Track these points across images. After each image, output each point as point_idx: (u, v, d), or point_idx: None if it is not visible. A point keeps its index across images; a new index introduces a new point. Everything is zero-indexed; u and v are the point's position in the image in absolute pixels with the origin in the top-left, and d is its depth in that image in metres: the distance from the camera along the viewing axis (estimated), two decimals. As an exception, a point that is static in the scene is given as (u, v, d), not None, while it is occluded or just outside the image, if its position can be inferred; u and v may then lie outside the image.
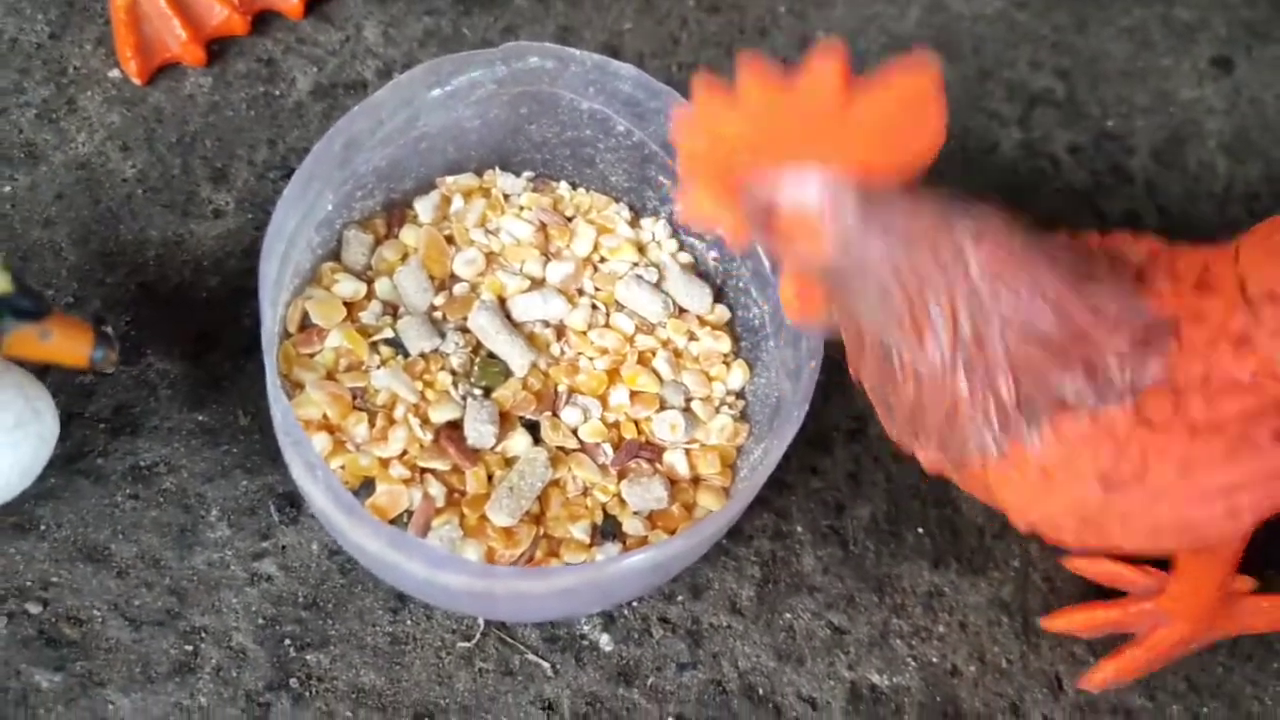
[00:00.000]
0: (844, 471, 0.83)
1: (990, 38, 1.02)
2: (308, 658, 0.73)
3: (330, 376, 0.77)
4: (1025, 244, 0.60)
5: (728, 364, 0.82)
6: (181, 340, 0.81)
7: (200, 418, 0.79)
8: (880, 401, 0.65)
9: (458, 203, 0.82)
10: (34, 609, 0.72)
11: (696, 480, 0.79)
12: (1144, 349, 0.62)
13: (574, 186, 0.85)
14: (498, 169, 0.84)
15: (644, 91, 0.76)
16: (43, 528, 0.75)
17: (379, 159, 0.77)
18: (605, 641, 0.76)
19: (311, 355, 0.77)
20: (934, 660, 0.79)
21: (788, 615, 0.79)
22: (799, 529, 0.81)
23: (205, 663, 0.72)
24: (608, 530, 0.76)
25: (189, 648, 0.73)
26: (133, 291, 0.82)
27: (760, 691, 0.76)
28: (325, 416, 0.75)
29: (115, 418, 0.78)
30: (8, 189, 0.85)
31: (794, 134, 0.57)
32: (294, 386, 0.76)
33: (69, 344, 0.62)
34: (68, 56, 0.90)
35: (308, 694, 0.73)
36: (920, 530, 0.82)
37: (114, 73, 0.90)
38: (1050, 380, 0.61)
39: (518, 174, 0.84)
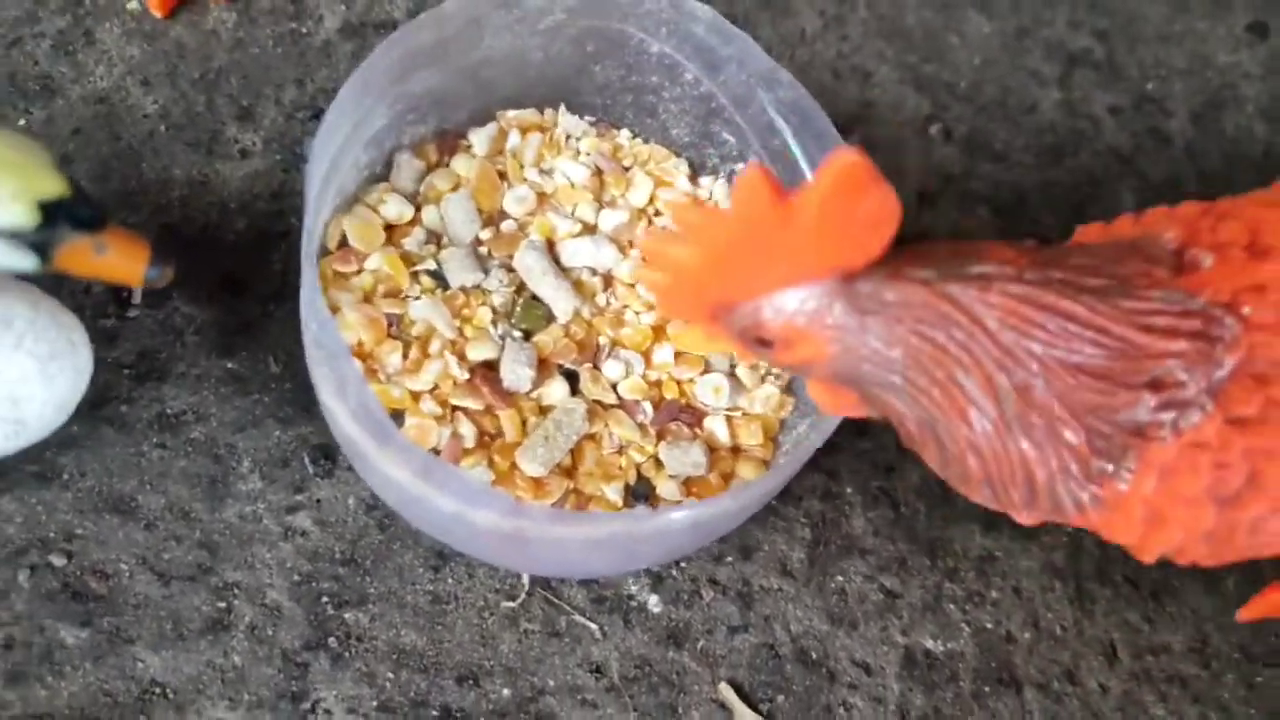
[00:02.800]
0: (893, 433, 0.80)
1: (1029, -5, 1.00)
2: (346, 616, 0.70)
3: (367, 300, 0.73)
4: (1040, 275, 0.55)
5: None
6: (208, 284, 0.77)
7: (229, 365, 0.75)
8: (954, 479, 0.60)
9: (514, 138, 0.79)
10: (58, 561, 0.69)
11: (736, 450, 0.75)
12: (1208, 343, 0.56)
13: (634, 136, 0.82)
14: (562, 107, 0.80)
15: (718, 36, 0.73)
16: (65, 477, 0.71)
17: (435, 80, 0.73)
18: (654, 603, 0.74)
19: (348, 276, 0.73)
20: (988, 626, 0.76)
21: (839, 578, 0.76)
22: (848, 490, 0.79)
23: (239, 620, 0.69)
24: (640, 492, 0.73)
25: (221, 604, 0.69)
26: (156, 232, 0.78)
27: (813, 656, 0.74)
28: (360, 343, 0.71)
29: (140, 363, 0.74)
30: (22, 123, 0.80)
31: (745, 254, 0.54)
32: (329, 309, 0.72)
33: (124, 260, 0.58)
34: (83, -14, 0.86)
35: (347, 654, 0.69)
36: (971, 493, 0.80)
37: (133, 4, 0.85)
38: (1118, 412, 0.55)
39: (579, 117, 0.81)
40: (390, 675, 0.69)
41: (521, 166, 0.78)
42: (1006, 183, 0.92)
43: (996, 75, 0.96)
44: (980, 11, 0.98)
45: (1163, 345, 0.55)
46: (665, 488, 0.73)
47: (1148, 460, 0.56)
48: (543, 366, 0.74)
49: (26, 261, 0.56)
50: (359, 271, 0.74)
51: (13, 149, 0.54)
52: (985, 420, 0.55)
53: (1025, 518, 0.59)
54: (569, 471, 0.72)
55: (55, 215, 0.55)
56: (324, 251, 0.74)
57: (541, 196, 0.78)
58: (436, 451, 0.70)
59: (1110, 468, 0.56)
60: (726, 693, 0.72)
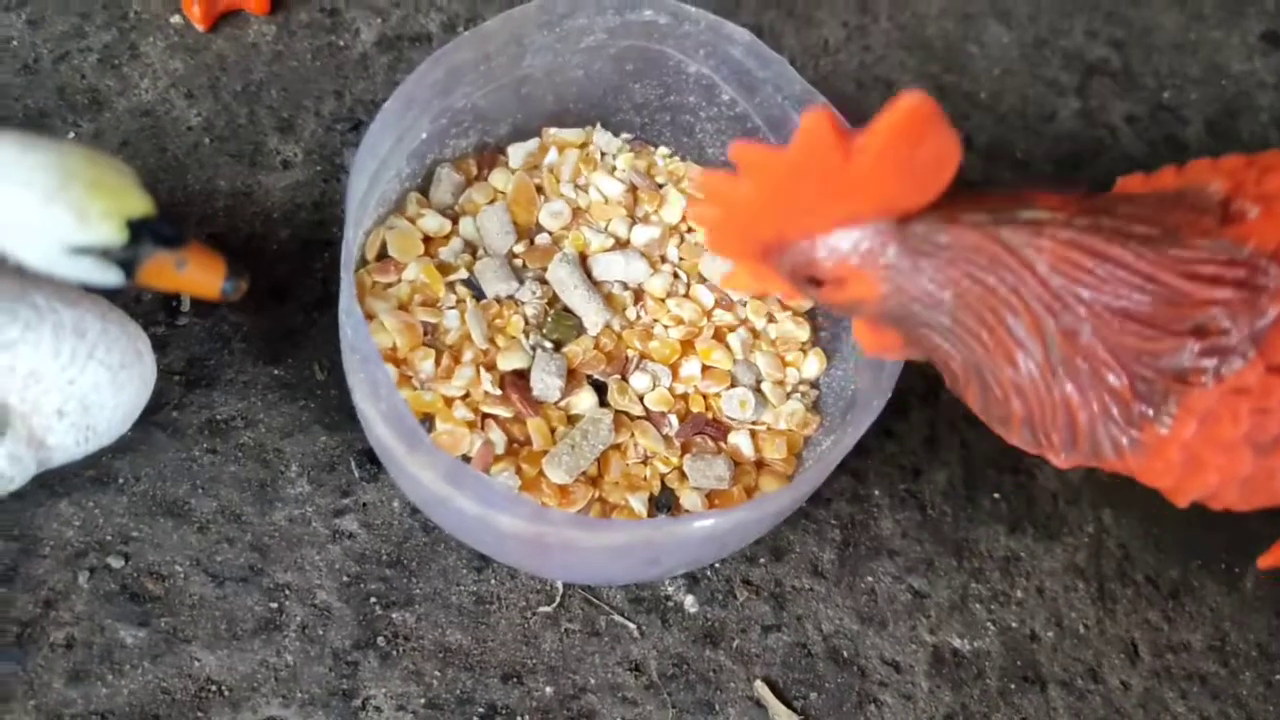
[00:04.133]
0: (920, 436, 0.83)
1: (1047, 5, 1.02)
2: (393, 616, 0.72)
3: (403, 309, 0.75)
4: (1089, 222, 0.56)
5: (805, 351, 0.80)
6: (254, 293, 0.79)
7: (276, 371, 0.77)
8: (992, 420, 0.61)
9: (552, 155, 0.81)
10: (116, 563, 0.71)
11: (760, 464, 0.77)
12: (1252, 292, 0.56)
13: (671, 154, 0.84)
14: (599, 125, 0.82)
15: (755, 60, 0.74)
16: (121, 481, 0.73)
17: (479, 96, 0.75)
18: (690, 603, 0.76)
19: (387, 286, 0.75)
20: (1013, 625, 0.78)
21: (869, 579, 0.78)
22: (876, 493, 0.81)
23: (290, 620, 0.71)
24: (664, 503, 0.75)
25: (273, 605, 0.71)
26: (202, 242, 0.80)
27: (844, 654, 0.76)
28: (394, 348, 0.73)
29: (190, 370, 0.76)
30: (72, 135, 0.82)
31: (802, 193, 0.55)
32: (366, 317, 0.74)
33: (203, 274, 0.60)
34: (128, 1, 0.87)
35: (395, 652, 0.71)
36: (996, 495, 0.82)
37: (176, 18, 0.87)
38: (1162, 357, 0.56)
39: (616, 134, 0.83)
40: (437, 673, 0.71)
41: (558, 181, 0.80)
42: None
43: (1016, 85, 0.98)
44: (1000, 22, 1.00)
45: (1208, 293, 0.56)
46: (688, 499, 0.74)
47: (1189, 405, 0.57)
48: (572, 377, 0.76)
49: (113, 276, 0.59)
50: (397, 281, 0.76)
51: (104, 170, 0.56)
52: (1031, 362, 0.57)
53: (1062, 460, 0.60)
54: (595, 481, 0.74)
55: (141, 233, 0.57)
56: (364, 261, 0.76)
57: (576, 211, 0.80)
58: (467, 458, 0.72)
59: (1151, 412, 0.57)
60: (761, 690, 0.74)
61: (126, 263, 0.58)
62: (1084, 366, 0.57)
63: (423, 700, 0.70)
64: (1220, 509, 0.63)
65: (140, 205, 0.57)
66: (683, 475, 0.75)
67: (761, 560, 0.77)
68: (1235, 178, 0.61)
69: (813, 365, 0.79)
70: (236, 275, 0.60)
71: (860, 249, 0.56)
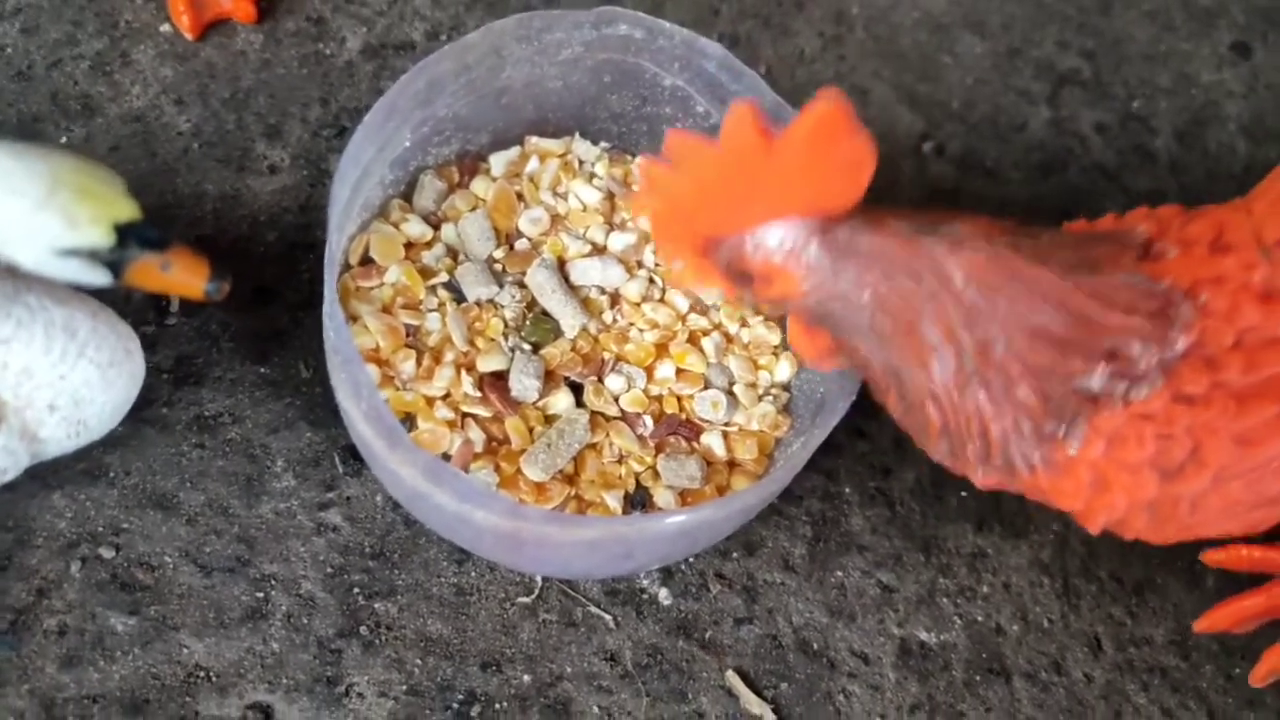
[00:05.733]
0: (890, 436, 0.85)
1: (1019, 16, 1.04)
2: (376, 606, 0.74)
3: (386, 311, 0.77)
4: (1009, 243, 0.58)
5: (776, 355, 0.82)
6: (241, 293, 0.81)
7: (262, 370, 0.79)
8: (912, 429, 0.64)
9: (533, 163, 0.83)
10: (107, 554, 0.73)
11: (732, 464, 0.79)
12: (1164, 324, 0.59)
13: None
14: (577, 135, 0.84)
15: (728, 73, 0.76)
16: (112, 475, 0.75)
17: (460, 105, 0.78)
18: (664, 596, 0.78)
19: (370, 289, 0.78)
20: (979, 619, 0.81)
21: (839, 573, 0.80)
22: (847, 490, 0.83)
23: (276, 609, 0.73)
24: (638, 501, 0.77)
25: (260, 594, 0.73)
26: (187, 245, 0.82)
27: (814, 646, 0.78)
28: (377, 349, 0.76)
29: (178, 368, 0.79)
30: (64, 140, 0.84)
31: (732, 188, 0.57)
32: (349, 319, 0.76)
33: (187, 276, 0.62)
34: (119, 9, 0.90)
35: (377, 641, 0.73)
36: (963, 494, 0.84)
37: (165, 27, 0.90)
38: (1074, 377, 0.59)
39: (594, 143, 0.85)
40: (418, 661, 0.73)
41: (538, 189, 0.82)
42: (997, 198, 0.96)
43: (988, 94, 1.00)
44: (973, 32, 1.02)
45: (1121, 320, 0.59)
46: (662, 497, 0.77)
47: (1097, 426, 0.59)
48: (550, 378, 0.78)
49: (101, 277, 0.61)
50: (380, 285, 0.78)
51: (92, 177, 0.59)
52: (945, 371, 0.58)
53: (981, 478, 0.63)
54: (571, 479, 0.76)
55: (128, 237, 0.60)
56: (348, 266, 0.79)
57: (555, 218, 0.82)
58: (448, 456, 0.74)
59: (1062, 430, 0.60)
60: (733, 680, 0.76)
61: (114, 264, 0.61)
62: (997, 380, 0.58)
63: (404, 687, 0.72)
64: (1131, 538, 0.65)
65: (127, 210, 0.60)
66: (656, 474, 0.77)
67: (734, 555, 0.80)
68: (1163, 223, 0.64)
69: (784, 369, 0.81)
70: (220, 277, 0.63)
71: (784, 246, 0.58)
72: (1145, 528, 0.64)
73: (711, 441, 0.78)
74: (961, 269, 0.57)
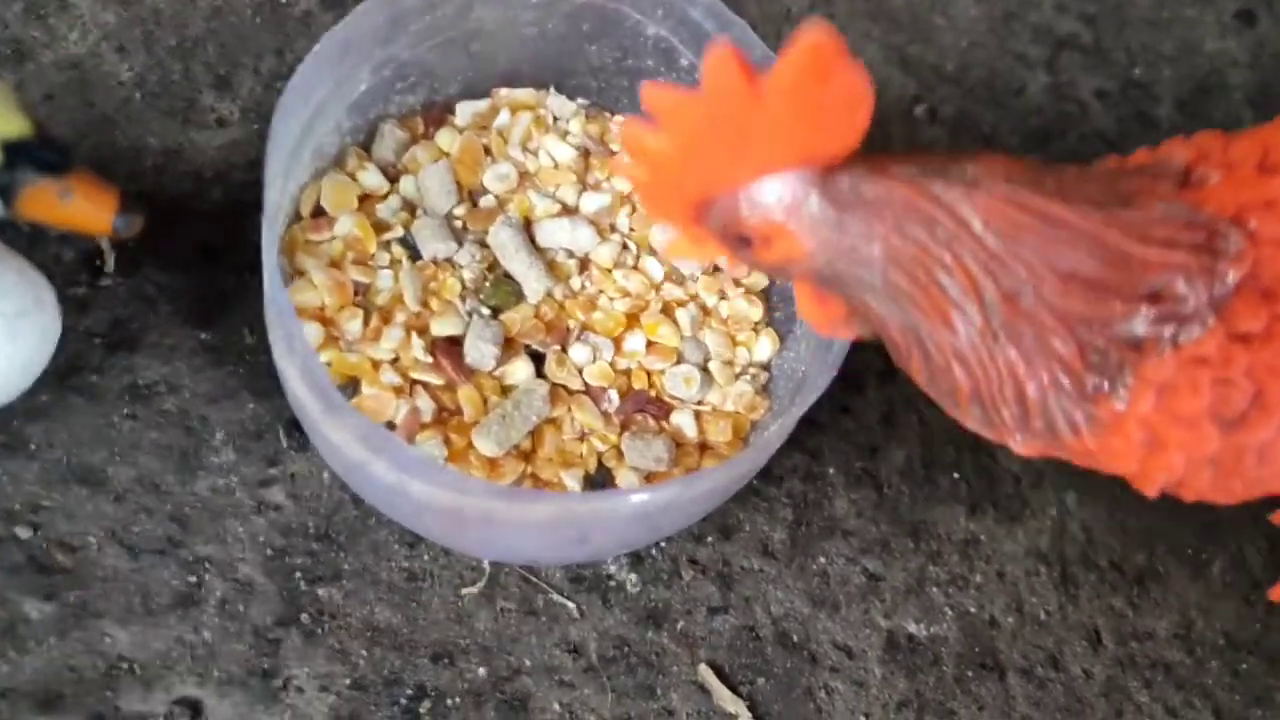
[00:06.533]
0: (878, 413, 0.80)
1: (1017, -22, 0.99)
2: (319, 592, 0.69)
3: (335, 266, 0.71)
4: (1031, 180, 0.52)
5: (757, 331, 0.77)
6: (182, 253, 0.75)
7: (203, 335, 0.74)
8: (940, 396, 0.57)
9: (504, 117, 0.77)
10: (23, 534, 0.67)
11: (704, 447, 0.74)
12: (1210, 257, 0.53)
13: None
14: (551, 88, 0.79)
15: (715, 21, 0.70)
16: (33, 447, 0.69)
17: (425, 49, 0.72)
18: (633, 582, 0.72)
19: (319, 244, 0.72)
20: (971, 610, 0.76)
21: (821, 560, 0.75)
22: (831, 470, 0.78)
23: (209, 595, 0.67)
24: (599, 482, 0.71)
25: (192, 578, 0.68)
26: (90, 171, 0.76)
27: (795, 638, 0.73)
28: (322, 307, 0.70)
29: (112, 333, 0.73)
30: (-8, 87, 0.78)
31: (719, 141, 0.52)
32: (295, 274, 0.71)
33: (91, 207, 0.56)
34: (57, -50, 0.84)
35: (320, 630, 0.68)
36: (956, 475, 0.79)
37: (108, -31, 0.84)
38: (1113, 324, 0.53)
39: (571, 98, 0.79)
40: (364, 653, 0.68)
41: (506, 144, 0.77)
42: (993, 165, 0.91)
43: (983, 58, 0.95)
44: (970, -7, 0.97)
45: (1161, 256, 0.53)
46: (625, 479, 0.71)
47: (1144, 376, 0.54)
48: (509, 346, 0.72)
49: None
50: (330, 239, 0.72)
51: None
52: (970, 326, 0.53)
53: (1021, 445, 0.56)
54: (527, 455, 0.71)
55: (17, 157, 0.53)
56: (297, 217, 0.73)
57: (524, 175, 0.77)
58: (393, 425, 0.69)
59: (1105, 384, 0.54)
60: (706, 674, 0.71)
61: (2, 190, 0.54)
62: (1028, 332, 0.53)
63: (347, 681, 0.67)
64: (1194, 499, 0.59)
65: (15, 126, 0.53)
66: (620, 454, 0.72)
67: (709, 539, 0.74)
68: (1202, 149, 0.58)
69: (764, 347, 0.76)
70: (130, 209, 0.57)
71: (783, 202, 0.53)
72: (1208, 487, 0.58)
73: (682, 421, 0.73)
74: (979, 212, 0.52)
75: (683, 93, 0.52)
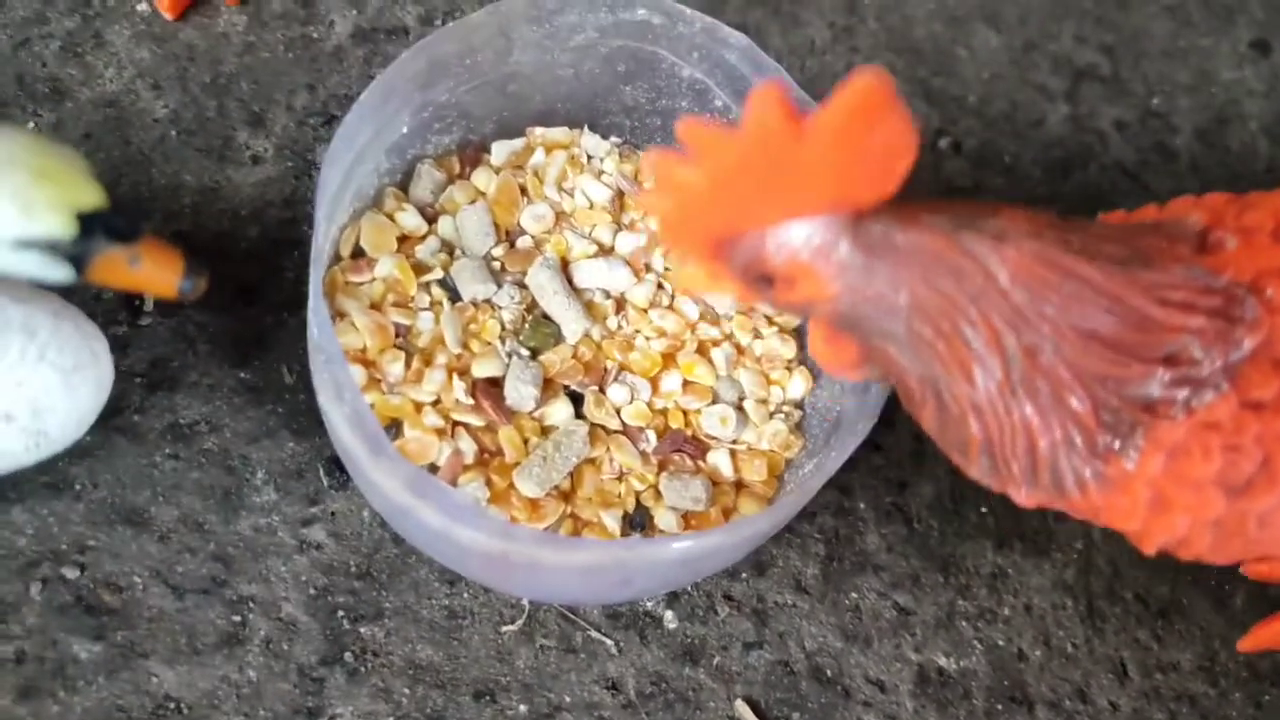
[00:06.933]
0: (907, 448, 0.81)
1: (1036, 9, 1.00)
2: (362, 630, 0.69)
3: (376, 308, 0.72)
4: (1058, 238, 0.53)
5: (790, 370, 0.77)
6: (221, 292, 0.76)
7: (242, 375, 0.74)
8: (950, 447, 0.58)
9: (538, 155, 0.78)
10: (70, 574, 0.68)
11: (739, 485, 0.74)
12: (1226, 323, 0.54)
13: None
14: (585, 128, 0.79)
15: (750, 65, 0.71)
16: (78, 488, 0.70)
17: (463, 91, 0.73)
18: (669, 619, 0.73)
19: (359, 285, 0.73)
20: (1000, 643, 0.76)
21: (853, 594, 0.76)
22: (862, 505, 0.79)
23: (254, 634, 0.68)
24: (637, 521, 0.72)
25: (236, 618, 0.68)
26: (168, 239, 0.77)
27: (828, 673, 0.74)
28: (364, 349, 0.71)
29: (152, 372, 0.73)
30: (31, 125, 0.79)
31: (751, 179, 0.51)
32: (336, 316, 0.71)
33: (158, 271, 0.57)
34: (92, -13, 0.85)
35: (363, 669, 0.69)
36: (983, 510, 0.80)
37: (142, 6, 0.84)
38: (1129, 384, 0.53)
39: (605, 137, 0.80)
40: (406, 691, 0.69)
41: (542, 183, 0.77)
42: (1015, 197, 0.92)
43: (1005, 89, 0.96)
44: (989, 25, 0.98)
45: (1180, 320, 0.53)
46: (664, 519, 0.72)
47: (1156, 439, 0.54)
48: (548, 386, 0.73)
49: (61, 273, 0.56)
50: (370, 280, 0.73)
51: (51, 158, 0.53)
52: (990, 380, 0.53)
53: (1025, 496, 0.57)
54: (567, 495, 0.71)
55: (92, 227, 0.54)
56: (337, 258, 0.74)
57: (560, 215, 0.77)
58: (435, 467, 0.69)
59: (1117, 444, 0.54)
60: (742, 709, 0.72)
61: (76, 258, 0.55)
62: (1045, 388, 0.53)
63: (391, 719, 0.68)
64: (1190, 559, 0.60)
65: (90, 196, 0.54)
66: (658, 493, 0.72)
67: (743, 575, 0.75)
68: (1215, 211, 0.59)
69: (798, 385, 0.77)
70: (195, 272, 0.57)
71: (812, 244, 0.53)
72: (1208, 549, 0.58)
73: (718, 460, 0.74)
74: (1008, 267, 0.52)
75: (719, 129, 0.51)
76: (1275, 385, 0.54)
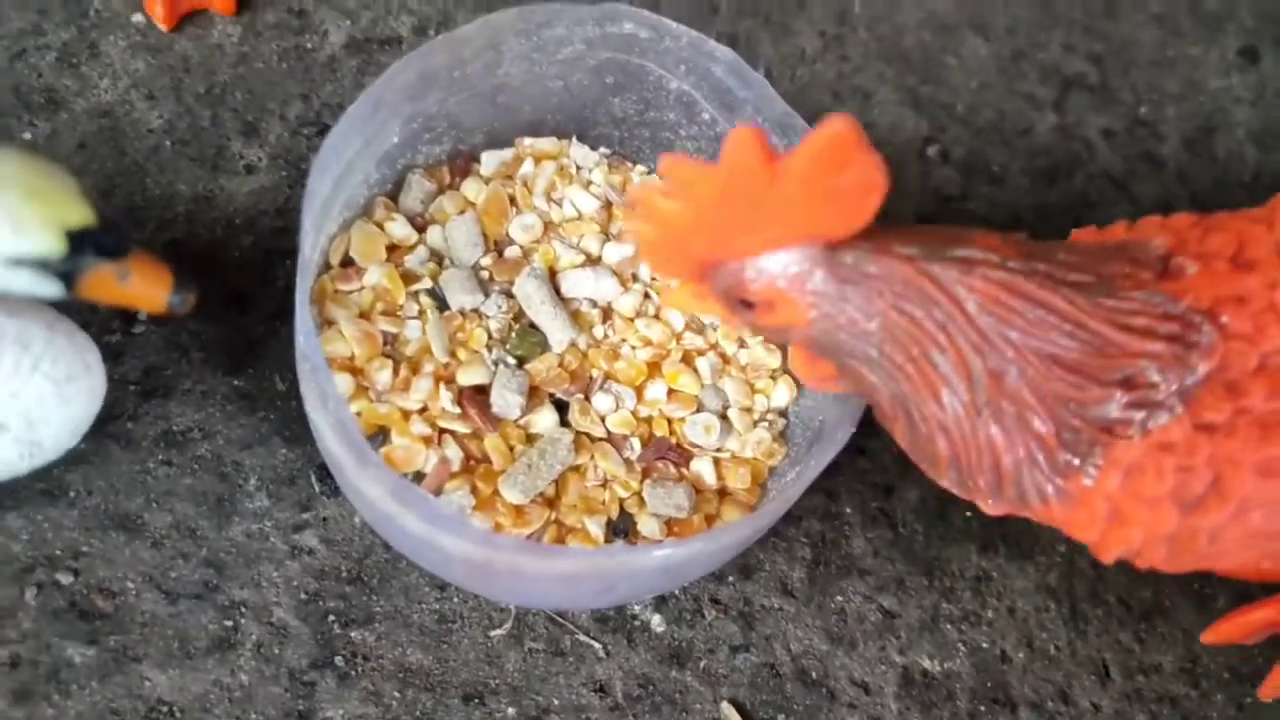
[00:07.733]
0: (892, 453, 0.81)
1: (1024, 18, 1.01)
2: (352, 635, 0.70)
3: (364, 317, 0.73)
4: (1024, 266, 0.56)
5: (775, 378, 0.78)
6: (213, 301, 0.77)
7: (235, 382, 0.75)
8: (920, 458, 0.61)
9: (528, 166, 0.79)
10: (64, 579, 0.69)
11: (723, 493, 0.75)
12: (1183, 348, 0.57)
13: (649, 172, 0.81)
14: (574, 138, 0.80)
15: (736, 78, 0.72)
16: (72, 494, 0.71)
17: (453, 102, 0.74)
18: (657, 622, 0.74)
19: (348, 294, 0.74)
20: (984, 645, 0.77)
21: (839, 598, 0.77)
22: (848, 510, 0.79)
23: (246, 639, 0.69)
24: (621, 528, 0.73)
25: (228, 623, 0.69)
26: (161, 248, 0.78)
27: (813, 675, 0.75)
28: (352, 357, 0.72)
29: (146, 380, 0.74)
30: (27, 135, 0.80)
31: (731, 213, 0.54)
32: (325, 324, 0.72)
33: (148, 287, 0.58)
34: (88, -2, 0.86)
35: (353, 673, 0.70)
36: (968, 514, 0.81)
37: (138, 17, 0.85)
38: (1089, 406, 0.56)
39: (594, 148, 0.81)
40: (397, 694, 0.70)
41: (531, 194, 0.78)
42: (1003, 204, 0.93)
43: (993, 98, 0.97)
44: (977, 34, 0.99)
45: (1138, 344, 0.56)
46: (647, 526, 0.73)
47: (1114, 457, 0.57)
48: (534, 394, 0.74)
49: (51, 289, 0.57)
50: (359, 289, 0.74)
51: (41, 177, 0.54)
52: (956, 401, 0.56)
53: (991, 507, 0.60)
54: (551, 502, 0.72)
55: (82, 244, 0.55)
56: (327, 267, 0.75)
57: (548, 225, 0.78)
58: (422, 474, 0.70)
59: (1076, 461, 0.57)
60: (728, 712, 0.73)
61: (66, 275, 0.56)
62: (1010, 409, 0.56)
63: (381, 722, 0.69)
64: (1145, 568, 0.63)
65: (80, 214, 0.55)
66: (642, 501, 0.73)
67: (730, 579, 0.76)
68: (1179, 234, 0.61)
69: (782, 394, 0.78)
70: (183, 288, 0.59)
71: (788, 273, 0.56)
72: (1161, 560, 0.62)
73: (701, 468, 0.75)
74: (975, 295, 0.55)
75: (700, 165, 0.54)
76: (1227, 409, 0.57)
